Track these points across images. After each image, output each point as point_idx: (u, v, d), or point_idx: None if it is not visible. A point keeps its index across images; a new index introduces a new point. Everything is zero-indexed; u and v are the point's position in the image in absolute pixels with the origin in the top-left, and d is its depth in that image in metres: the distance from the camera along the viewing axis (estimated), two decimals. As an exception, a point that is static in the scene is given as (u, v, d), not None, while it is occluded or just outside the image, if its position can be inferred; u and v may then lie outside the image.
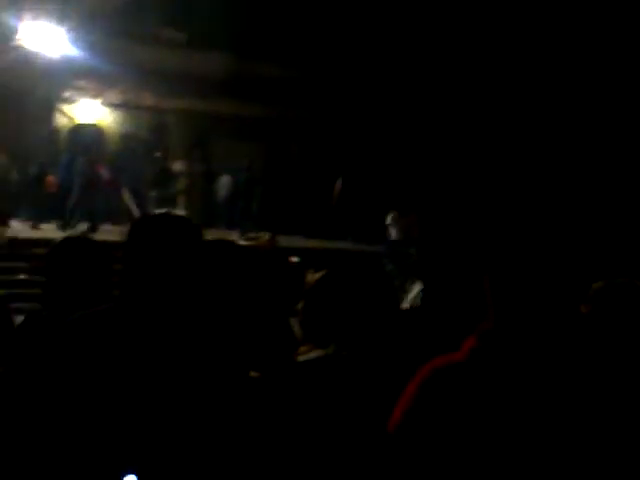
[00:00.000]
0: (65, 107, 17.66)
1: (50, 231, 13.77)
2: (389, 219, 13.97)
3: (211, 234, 2.47)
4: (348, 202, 16.14)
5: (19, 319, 2.78)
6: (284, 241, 12.89)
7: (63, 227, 13.99)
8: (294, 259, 4.50)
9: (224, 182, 17.16)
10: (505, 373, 1.84)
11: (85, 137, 16.86)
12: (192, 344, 1.92)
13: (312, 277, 2.47)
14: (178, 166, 16.95)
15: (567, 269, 1.95)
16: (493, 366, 1.84)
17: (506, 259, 1.93)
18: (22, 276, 11.44)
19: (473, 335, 1.91)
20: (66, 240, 2.70)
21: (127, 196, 15.32)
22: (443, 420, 1.81)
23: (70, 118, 17.69)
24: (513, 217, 13.44)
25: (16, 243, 12.57)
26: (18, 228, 13.81)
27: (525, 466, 1.77)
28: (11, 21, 14.79)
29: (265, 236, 12.57)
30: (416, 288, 4.25)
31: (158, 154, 16.69)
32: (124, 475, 1.67)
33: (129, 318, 1.88)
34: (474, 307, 2.25)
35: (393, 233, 13.92)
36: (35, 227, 14.29)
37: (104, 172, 14.70)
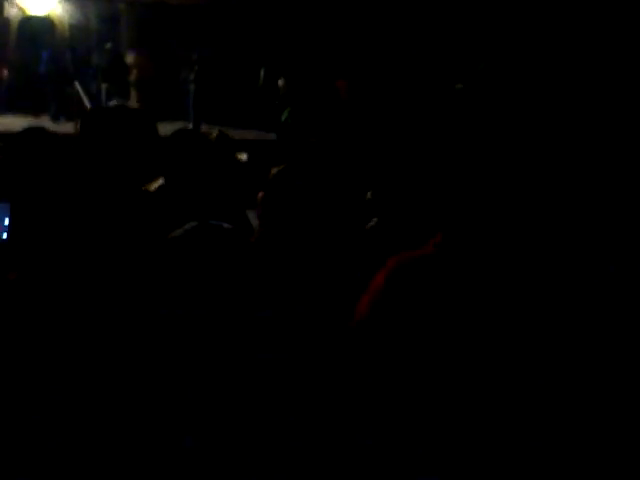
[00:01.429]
0: (14, -2, 17.50)
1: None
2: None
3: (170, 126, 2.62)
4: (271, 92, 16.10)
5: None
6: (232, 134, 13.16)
7: None
8: (243, 156, 4.44)
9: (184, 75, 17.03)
10: (470, 264, 1.83)
11: (35, 28, 16.82)
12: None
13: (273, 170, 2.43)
14: (130, 58, 16.98)
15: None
16: (459, 257, 1.84)
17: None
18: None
19: (439, 232, 1.90)
20: (24, 131, 2.66)
21: (79, 88, 15.40)
22: (409, 311, 1.80)
23: (20, 9, 17.56)
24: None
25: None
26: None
27: (491, 353, 1.77)
28: None
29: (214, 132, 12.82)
30: None
31: (109, 45, 16.73)
32: None
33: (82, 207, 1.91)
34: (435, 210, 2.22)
35: None
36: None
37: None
